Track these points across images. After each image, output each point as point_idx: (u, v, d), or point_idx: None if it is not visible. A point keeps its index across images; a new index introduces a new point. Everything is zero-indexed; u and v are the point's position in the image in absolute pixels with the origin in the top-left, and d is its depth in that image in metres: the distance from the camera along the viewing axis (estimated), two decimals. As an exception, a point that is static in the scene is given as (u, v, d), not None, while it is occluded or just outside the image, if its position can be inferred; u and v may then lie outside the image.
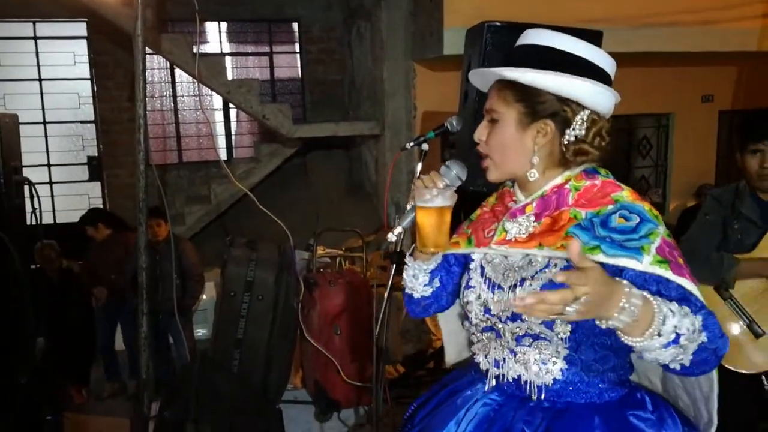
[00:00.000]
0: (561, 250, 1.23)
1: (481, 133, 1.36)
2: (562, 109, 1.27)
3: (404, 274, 1.53)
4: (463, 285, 1.44)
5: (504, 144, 1.32)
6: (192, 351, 4.37)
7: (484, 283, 1.36)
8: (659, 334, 1.07)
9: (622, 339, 1.10)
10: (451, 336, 1.69)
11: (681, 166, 7.42)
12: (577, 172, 1.31)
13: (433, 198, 1.32)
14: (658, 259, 1.16)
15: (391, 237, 1.44)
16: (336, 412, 3.16)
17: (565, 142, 1.29)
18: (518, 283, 1.29)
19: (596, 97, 1.27)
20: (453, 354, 1.70)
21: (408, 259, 1.51)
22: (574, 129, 1.27)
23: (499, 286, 1.33)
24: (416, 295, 1.52)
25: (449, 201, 1.34)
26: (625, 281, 1.07)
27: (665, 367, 1.15)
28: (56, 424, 3.01)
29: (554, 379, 1.28)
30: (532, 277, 1.27)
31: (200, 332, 5.49)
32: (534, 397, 1.29)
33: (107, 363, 4.99)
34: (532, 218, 1.31)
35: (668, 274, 1.15)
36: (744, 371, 2.26)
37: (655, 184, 7.53)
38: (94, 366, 5.23)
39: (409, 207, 1.42)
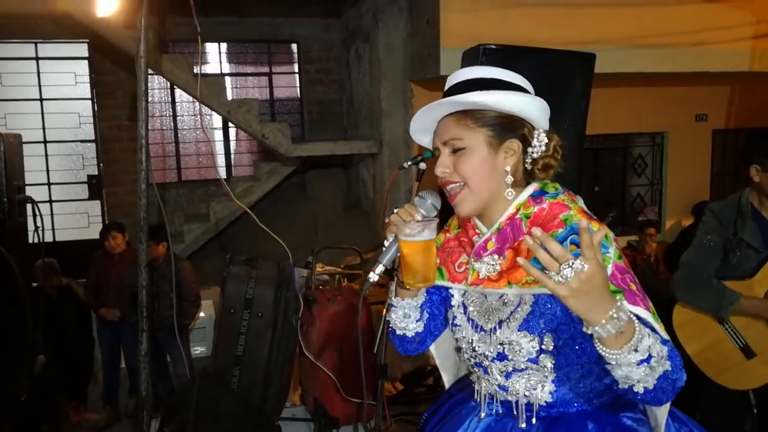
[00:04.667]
0: (526, 286, 1.27)
1: (446, 165, 1.33)
2: (522, 129, 1.32)
3: (392, 315, 1.48)
4: (451, 321, 1.46)
5: (478, 168, 1.31)
6: (189, 369, 4.38)
7: (469, 322, 1.39)
8: (636, 350, 1.09)
9: (599, 349, 1.11)
10: (444, 360, 1.69)
11: (676, 184, 7.49)
12: (525, 199, 1.33)
13: (419, 232, 1.26)
14: (611, 288, 1.16)
15: (373, 276, 1.32)
16: (335, 429, 3.16)
17: (530, 159, 1.33)
18: (498, 326, 1.32)
19: (542, 115, 1.34)
20: (450, 378, 1.70)
21: (394, 301, 1.46)
22: (535, 146, 1.33)
23: (482, 329, 1.36)
24: (410, 334, 1.49)
25: (435, 233, 1.29)
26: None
27: (629, 390, 1.16)
28: (55, 441, 3.02)
29: (546, 401, 1.33)
30: (508, 318, 1.30)
31: (198, 350, 5.50)
32: (524, 425, 1.34)
33: (108, 382, 4.97)
34: (496, 256, 1.34)
35: (623, 303, 1.15)
36: (735, 388, 2.32)
37: (651, 202, 7.60)
38: (92, 384, 5.24)
39: (387, 243, 1.34)
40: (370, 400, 3.15)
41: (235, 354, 3.01)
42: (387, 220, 1.35)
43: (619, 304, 1.07)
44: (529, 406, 1.34)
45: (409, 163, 1.99)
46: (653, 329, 1.17)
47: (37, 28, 6.56)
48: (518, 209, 1.33)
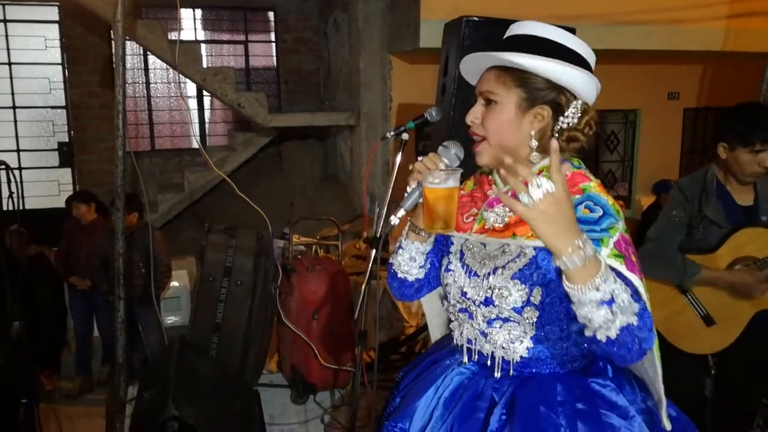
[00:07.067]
0: (531, 238, 1.31)
1: (475, 115, 1.39)
2: (558, 97, 1.34)
3: (397, 258, 1.54)
4: (443, 267, 1.51)
5: (502, 126, 1.35)
6: (161, 339, 4.40)
7: (462, 268, 1.44)
8: (597, 289, 1.12)
9: (565, 287, 1.15)
10: (434, 318, 1.75)
11: (646, 161, 7.64)
12: (548, 164, 1.37)
13: (444, 179, 1.32)
14: (614, 252, 1.22)
15: (394, 219, 1.40)
16: (312, 395, 3.22)
17: (558, 128, 1.35)
18: (492, 272, 1.37)
19: (587, 88, 1.35)
20: (438, 335, 1.76)
21: (404, 243, 1.52)
22: (567, 117, 1.35)
23: (476, 273, 1.41)
24: (410, 279, 1.55)
25: (458, 182, 1.35)
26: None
27: (592, 339, 1.19)
28: (31, 408, 3.01)
29: (521, 357, 1.38)
30: (504, 267, 1.35)
31: (172, 319, 5.50)
32: (498, 375, 1.39)
33: (81, 351, 4.96)
34: (507, 209, 1.38)
35: (622, 268, 1.21)
36: (696, 352, 2.46)
37: (622, 179, 7.74)
38: (65, 353, 5.21)
39: (409, 189, 1.41)
40: (347, 366, 3.23)
41: (214, 321, 3.03)
42: (411, 167, 1.40)
43: (585, 236, 1.12)
44: (505, 363, 1.39)
45: (392, 133, 2.00)
46: (639, 294, 1.21)
47: (6, -12, 6.37)
48: (540, 171, 1.35)
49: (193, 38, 7.42)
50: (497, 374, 1.40)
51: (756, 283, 2.33)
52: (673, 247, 2.43)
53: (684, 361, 2.44)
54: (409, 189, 1.41)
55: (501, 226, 1.38)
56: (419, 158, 1.40)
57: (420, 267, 1.53)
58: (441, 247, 1.55)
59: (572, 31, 2.62)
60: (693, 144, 7.87)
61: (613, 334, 1.15)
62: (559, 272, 1.18)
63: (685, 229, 2.45)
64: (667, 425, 1.37)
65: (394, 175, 1.97)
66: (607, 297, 1.12)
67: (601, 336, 1.16)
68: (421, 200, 1.39)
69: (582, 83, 1.34)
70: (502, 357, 1.39)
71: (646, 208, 6.80)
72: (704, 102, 7.59)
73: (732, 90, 7.28)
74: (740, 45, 6.24)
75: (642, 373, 1.44)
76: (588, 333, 1.19)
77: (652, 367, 1.38)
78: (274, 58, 7.79)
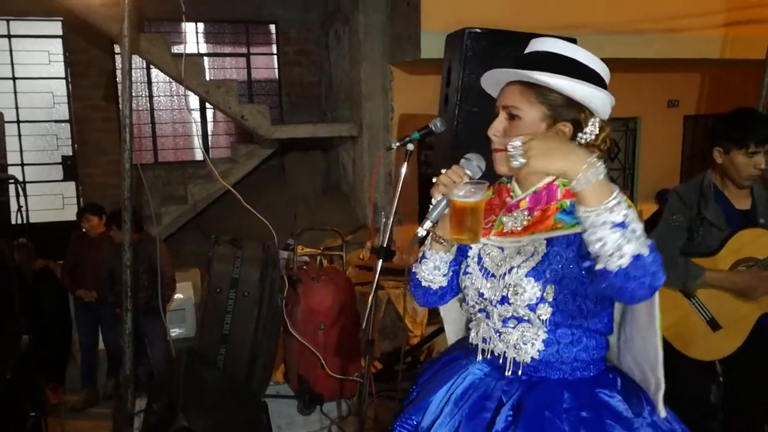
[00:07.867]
0: (546, 232, 1.39)
1: (497, 129, 1.45)
2: (578, 115, 1.41)
3: (420, 267, 1.57)
4: (462, 271, 1.56)
5: None
6: (167, 352, 4.41)
7: (480, 271, 1.50)
8: (611, 211, 1.15)
9: (580, 213, 1.18)
10: (450, 324, 1.80)
11: (647, 168, 7.65)
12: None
13: (472, 193, 1.36)
14: None
15: (421, 231, 1.45)
16: (319, 405, 3.23)
17: (577, 144, 1.41)
18: (508, 271, 1.43)
19: (606, 106, 1.42)
20: (453, 339, 1.80)
21: (427, 253, 1.56)
22: (586, 133, 1.42)
23: (493, 275, 1.47)
24: (434, 287, 1.58)
25: (485, 195, 1.39)
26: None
27: (603, 273, 1.18)
28: (39, 421, 3.03)
29: (532, 358, 1.42)
30: (519, 266, 1.41)
31: (177, 331, 5.50)
32: (509, 373, 1.44)
33: (87, 364, 4.97)
34: (526, 212, 1.45)
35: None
36: (705, 359, 2.46)
37: (623, 187, 7.75)
38: (70, 366, 5.22)
39: (435, 201, 1.45)
40: (354, 376, 3.24)
41: (222, 333, 3.04)
42: (434, 180, 1.44)
43: (596, 157, 1.18)
44: (515, 365, 1.43)
45: (397, 144, 2.03)
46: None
47: (10, 4, 6.41)
48: (556, 177, 1.42)
49: (196, 51, 7.47)
50: (508, 373, 1.44)
51: (759, 283, 2.34)
52: (675, 251, 2.45)
53: (691, 369, 2.45)
54: (434, 201, 1.46)
55: (519, 229, 1.44)
56: (442, 171, 1.44)
57: (443, 275, 1.57)
58: (460, 253, 1.59)
59: (573, 40, 2.67)
60: (693, 151, 7.88)
61: (625, 261, 1.15)
62: (575, 253, 1.27)
63: (686, 233, 2.47)
64: (662, 413, 1.39)
65: (400, 185, 1.99)
66: (620, 219, 1.15)
67: (613, 265, 1.16)
68: (446, 212, 1.43)
69: (601, 102, 1.41)
70: (514, 358, 1.43)
71: (650, 215, 6.80)
72: (704, 109, 7.62)
73: (731, 97, 7.31)
74: (737, 53, 6.27)
75: (642, 358, 1.43)
76: (600, 265, 1.18)
77: (654, 349, 1.38)
78: (276, 70, 7.84)
